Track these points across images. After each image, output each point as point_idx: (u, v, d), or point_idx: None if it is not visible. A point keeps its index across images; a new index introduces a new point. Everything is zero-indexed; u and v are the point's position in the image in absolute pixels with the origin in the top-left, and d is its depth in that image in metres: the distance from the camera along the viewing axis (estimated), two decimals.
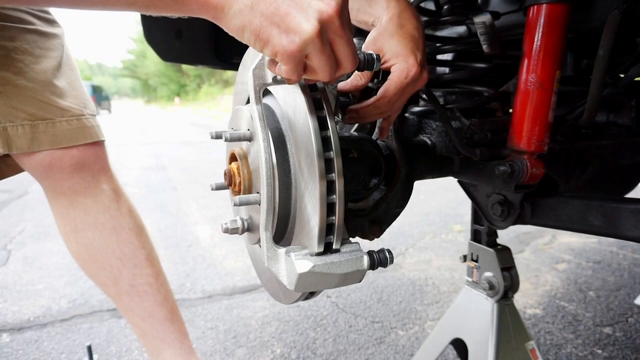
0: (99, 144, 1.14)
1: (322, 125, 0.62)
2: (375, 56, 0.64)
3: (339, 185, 0.62)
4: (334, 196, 0.62)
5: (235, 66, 1.60)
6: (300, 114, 0.64)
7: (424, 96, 0.95)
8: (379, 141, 0.94)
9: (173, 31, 1.45)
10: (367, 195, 0.94)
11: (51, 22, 1.08)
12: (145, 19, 1.40)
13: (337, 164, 0.62)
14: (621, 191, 1.45)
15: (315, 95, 0.64)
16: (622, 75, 0.99)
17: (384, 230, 0.92)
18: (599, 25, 0.80)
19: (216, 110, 23.72)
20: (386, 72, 0.80)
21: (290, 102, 0.67)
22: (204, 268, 2.40)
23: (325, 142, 0.62)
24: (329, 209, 0.62)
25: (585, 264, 2.41)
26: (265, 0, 0.49)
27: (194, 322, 1.83)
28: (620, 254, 2.52)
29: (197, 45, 1.52)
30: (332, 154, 0.62)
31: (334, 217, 0.62)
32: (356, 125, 0.96)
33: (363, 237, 0.89)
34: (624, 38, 0.83)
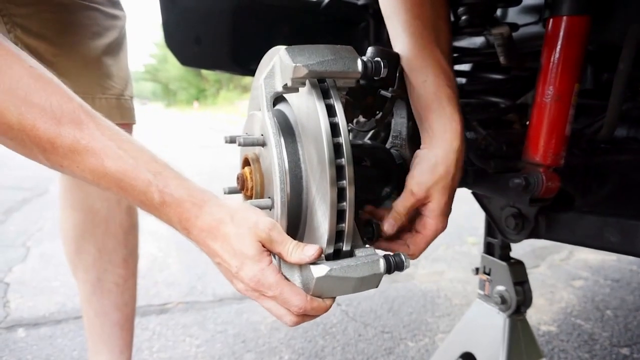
0: (129, 128, 1.17)
1: (334, 132, 0.62)
2: (382, 63, 0.64)
3: (349, 193, 0.62)
4: (344, 203, 0.62)
5: (252, 72, 1.60)
6: (313, 120, 0.64)
7: None
8: (392, 150, 0.94)
9: (192, 37, 1.48)
10: (378, 204, 0.93)
11: (115, 4, 1.13)
12: (167, 24, 1.43)
13: (349, 171, 0.62)
14: None
15: (328, 101, 0.65)
16: None
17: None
18: (620, 38, 0.79)
19: (234, 115, 23.96)
20: (402, 80, 0.80)
21: (304, 107, 0.68)
22: (215, 272, 2.41)
23: (337, 149, 0.62)
24: (339, 215, 0.62)
25: (603, 282, 2.35)
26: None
27: (204, 325, 1.84)
28: None
29: (215, 51, 1.54)
30: (344, 161, 0.62)
31: (343, 225, 0.62)
32: (370, 133, 0.97)
33: (373, 245, 0.89)
34: None
